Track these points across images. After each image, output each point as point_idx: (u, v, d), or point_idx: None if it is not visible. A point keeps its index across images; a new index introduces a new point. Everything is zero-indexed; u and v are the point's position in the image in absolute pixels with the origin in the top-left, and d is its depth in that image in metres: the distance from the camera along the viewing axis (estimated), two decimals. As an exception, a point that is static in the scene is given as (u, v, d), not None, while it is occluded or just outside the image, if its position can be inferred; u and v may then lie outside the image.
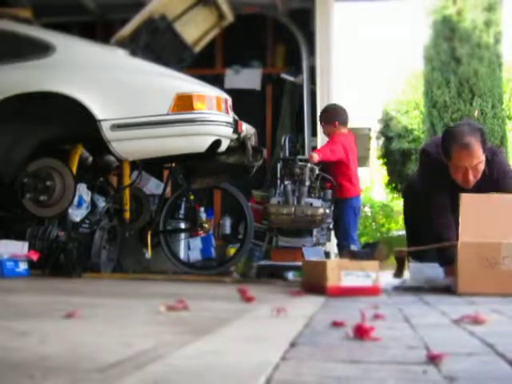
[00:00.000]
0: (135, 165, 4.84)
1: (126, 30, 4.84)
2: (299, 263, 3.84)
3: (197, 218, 4.89)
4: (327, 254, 5.09)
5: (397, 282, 4.14)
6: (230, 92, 4.68)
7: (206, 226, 4.97)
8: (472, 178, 3.51)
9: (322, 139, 6.05)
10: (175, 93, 4.13)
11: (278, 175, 4.69)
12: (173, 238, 5.08)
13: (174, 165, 4.83)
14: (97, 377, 0.95)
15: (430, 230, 3.73)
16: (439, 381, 0.99)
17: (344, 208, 4.87)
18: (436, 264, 3.74)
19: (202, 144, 4.16)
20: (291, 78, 6.57)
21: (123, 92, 4.22)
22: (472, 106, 8.81)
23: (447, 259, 3.52)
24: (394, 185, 13.54)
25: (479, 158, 3.48)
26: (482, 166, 3.52)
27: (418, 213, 3.90)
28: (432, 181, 3.71)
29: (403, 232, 5.48)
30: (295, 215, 4.48)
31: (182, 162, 4.70)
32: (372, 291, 2.80)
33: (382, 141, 13.61)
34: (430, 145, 4.06)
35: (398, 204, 12.63)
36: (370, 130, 11.60)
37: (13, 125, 4.32)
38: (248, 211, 4.63)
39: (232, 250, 5.28)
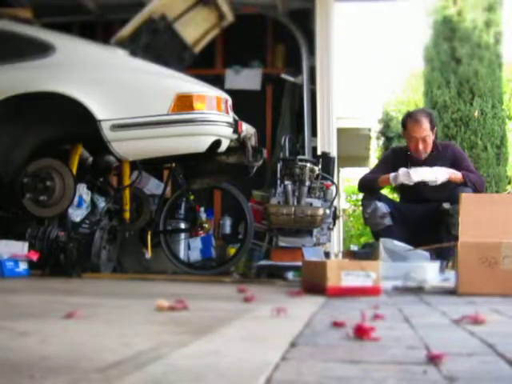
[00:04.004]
0: (135, 165, 4.84)
1: (126, 30, 4.84)
2: (299, 263, 3.83)
3: (197, 218, 4.89)
4: (327, 254, 5.08)
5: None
6: (230, 92, 4.68)
7: (206, 226, 4.96)
8: (422, 148, 4.61)
9: (322, 139, 6.05)
10: (175, 93, 4.13)
11: (278, 175, 4.69)
12: (173, 238, 5.07)
13: (174, 165, 4.84)
14: (97, 377, 0.95)
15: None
16: (439, 381, 0.99)
17: None
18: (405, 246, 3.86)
19: (202, 144, 4.16)
20: (291, 78, 6.57)
21: (123, 92, 4.22)
22: (472, 106, 8.80)
23: None
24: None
25: (426, 131, 4.60)
26: (429, 140, 4.62)
27: None
28: (379, 167, 4.89)
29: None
30: (295, 215, 4.48)
31: (182, 162, 4.69)
32: (372, 291, 2.80)
33: (381, 141, 13.60)
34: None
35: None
36: (369, 130, 11.62)
37: (13, 125, 4.32)
38: (248, 211, 4.62)
39: (232, 250, 5.27)
